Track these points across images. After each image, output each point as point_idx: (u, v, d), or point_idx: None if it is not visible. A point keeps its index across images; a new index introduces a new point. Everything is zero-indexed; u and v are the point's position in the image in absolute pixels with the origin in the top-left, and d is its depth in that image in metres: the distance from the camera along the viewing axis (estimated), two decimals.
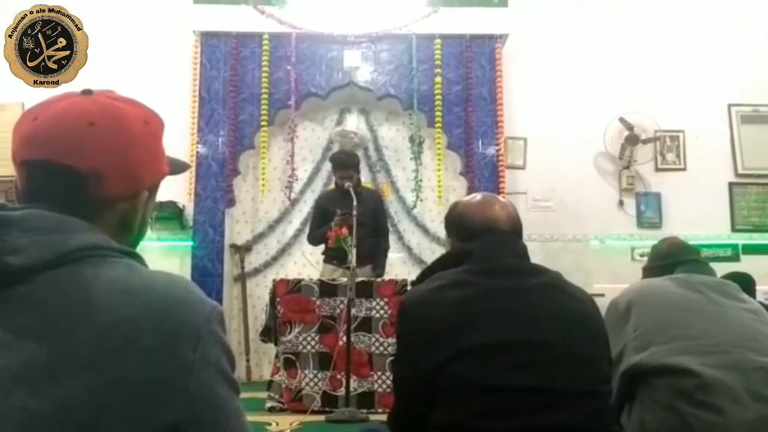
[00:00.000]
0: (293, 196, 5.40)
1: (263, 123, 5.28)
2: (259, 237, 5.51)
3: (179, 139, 5.06)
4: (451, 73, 5.40)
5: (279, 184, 5.48)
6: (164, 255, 5.17)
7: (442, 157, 5.36)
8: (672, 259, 2.06)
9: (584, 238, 5.45)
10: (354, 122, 5.60)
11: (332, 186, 4.80)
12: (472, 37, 5.44)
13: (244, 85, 5.35)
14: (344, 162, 4.40)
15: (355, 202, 3.88)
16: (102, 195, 0.86)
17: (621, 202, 5.53)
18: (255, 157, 5.45)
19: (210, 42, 5.40)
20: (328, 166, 4.89)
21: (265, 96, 5.29)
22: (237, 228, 5.51)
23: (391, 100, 5.44)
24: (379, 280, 4.00)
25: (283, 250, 5.48)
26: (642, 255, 4.98)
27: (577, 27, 5.62)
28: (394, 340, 3.52)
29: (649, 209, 5.53)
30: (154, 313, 0.76)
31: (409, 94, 5.34)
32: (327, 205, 4.40)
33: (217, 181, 5.24)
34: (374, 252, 4.42)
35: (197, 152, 5.23)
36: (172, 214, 5.10)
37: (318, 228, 4.43)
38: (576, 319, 1.37)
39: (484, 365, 1.26)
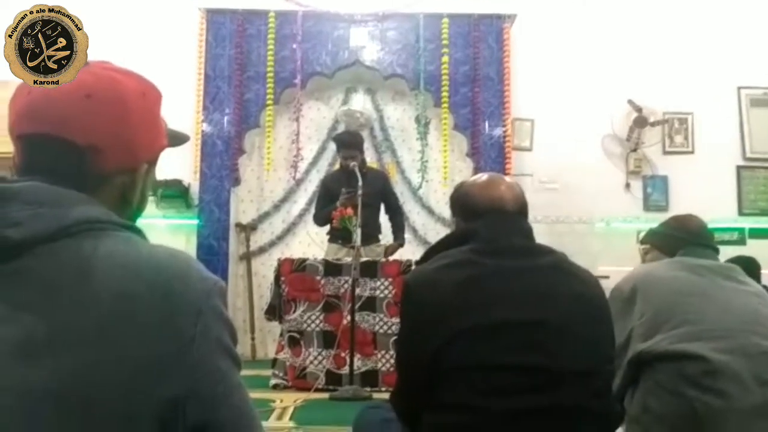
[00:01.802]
0: (298, 175, 5.39)
1: (269, 102, 5.24)
2: (265, 216, 5.51)
3: (184, 117, 5.05)
4: (458, 53, 5.34)
5: (284, 163, 5.45)
6: (170, 233, 5.18)
7: (448, 137, 5.33)
8: (697, 239, 2.02)
9: (590, 220, 5.43)
10: (360, 102, 5.56)
11: (337, 166, 4.78)
12: (480, 17, 5.37)
13: (250, 64, 5.31)
14: (347, 142, 4.38)
15: (360, 182, 3.86)
16: (100, 168, 0.84)
17: (628, 185, 5.50)
18: (260, 135, 5.42)
19: (216, 19, 5.36)
20: (333, 145, 4.86)
21: (271, 74, 5.25)
22: (242, 207, 5.51)
23: (398, 80, 5.40)
24: (383, 260, 4.00)
25: (288, 230, 5.48)
26: None
27: (586, 8, 5.54)
28: (398, 320, 3.54)
29: (655, 192, 5.50)
30: (155, 288, 0.75)
31: (416, 73, 5.30)
32: (332, 186, 4.39)
33: (222, 160, 5.23)
34: (379, 230, 4.51)
35: (202, 130, 5.21)
36: (177, 192, 5.10)
37: (323, 208, 4.42)
38: (580, 300, 1.36)
39: (488, 345, 1.26)
